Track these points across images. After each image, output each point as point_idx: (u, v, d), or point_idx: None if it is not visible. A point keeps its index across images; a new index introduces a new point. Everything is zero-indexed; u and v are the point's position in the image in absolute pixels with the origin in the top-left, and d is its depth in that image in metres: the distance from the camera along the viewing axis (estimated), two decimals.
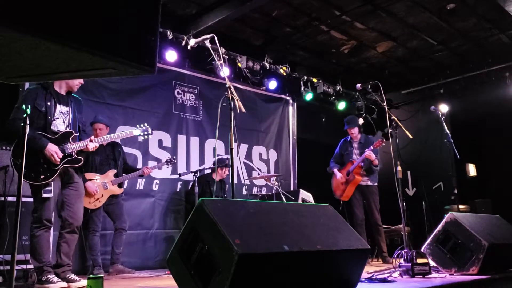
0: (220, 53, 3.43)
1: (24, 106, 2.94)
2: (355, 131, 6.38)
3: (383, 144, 5.95)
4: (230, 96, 3.24)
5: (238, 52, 6.93)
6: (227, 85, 3.26)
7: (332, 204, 6.66)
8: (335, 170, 6.41)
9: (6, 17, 0.97)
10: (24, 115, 2.63)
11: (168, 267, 2.48)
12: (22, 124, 2.70)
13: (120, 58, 1.29)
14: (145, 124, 4.74)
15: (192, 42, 4.37)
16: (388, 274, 3.63)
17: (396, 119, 4.59)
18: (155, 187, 6.29)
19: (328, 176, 6.58)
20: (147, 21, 1.35)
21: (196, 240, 2.28)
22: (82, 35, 1.15)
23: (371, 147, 5.98)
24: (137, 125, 4.77)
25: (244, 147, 7.24)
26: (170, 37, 6.02)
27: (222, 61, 3.38)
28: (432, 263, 3.77)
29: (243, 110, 3.23)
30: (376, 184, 6.30)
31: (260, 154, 7.68)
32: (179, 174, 6.24)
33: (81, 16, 1.14)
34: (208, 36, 3.37)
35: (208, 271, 2.19)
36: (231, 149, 3.15)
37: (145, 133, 4.67)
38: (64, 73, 1.61)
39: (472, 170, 8.58)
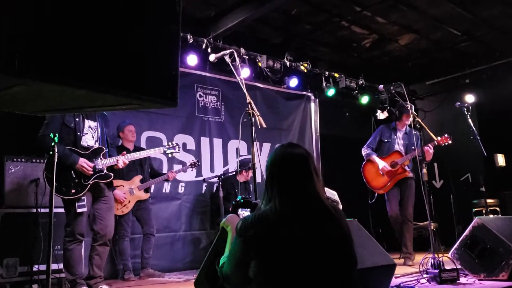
0: (239, 68, 3.45)
1: (51, 135, 3.03)
2: (409, 120, 5.23)
3: (450, 142, 5.42)
4: (251, 112, 3.27)
5: (258, 51, 6.90)
6: (248, 101, 3.29)
7: (359, 196, 6.54)
8: (375, 157, 5.72)
9: (33, 70, 1.01)
10: (52, 144, 2.71)
11: None
12: (51, 150, 2.78)
13: (143, 95, 1.32)
14: (174, 142, 4.88)
15: (212, 57, 4.40)
16: (415, 282, 3.62)
17: (420, 120, 4.52)
18: (181, 189, 6.38)
19: (354, 172, 6.16)
20: (169, 57, 1.38)
21: None
22: (107, 79, 1.18)
23: (435, 143, 5.34)
24: (168, 143, 4.93)
25: (266, 146, 7.23)
26: (191, 41, 6.03)
27: (241, 77, 3.39)
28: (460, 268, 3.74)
29: (264, 125, 3.26)
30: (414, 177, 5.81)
31: None
32: (204, 180, 6.33)
33: (105, 61, 1.18)
34: (227, 51, 3.39)
35: None
36: (253, 165, 3.19)
37: (172, 151, 4.76)
38: (88, 108, 1.66)
39: (501, 160, 8.38)
